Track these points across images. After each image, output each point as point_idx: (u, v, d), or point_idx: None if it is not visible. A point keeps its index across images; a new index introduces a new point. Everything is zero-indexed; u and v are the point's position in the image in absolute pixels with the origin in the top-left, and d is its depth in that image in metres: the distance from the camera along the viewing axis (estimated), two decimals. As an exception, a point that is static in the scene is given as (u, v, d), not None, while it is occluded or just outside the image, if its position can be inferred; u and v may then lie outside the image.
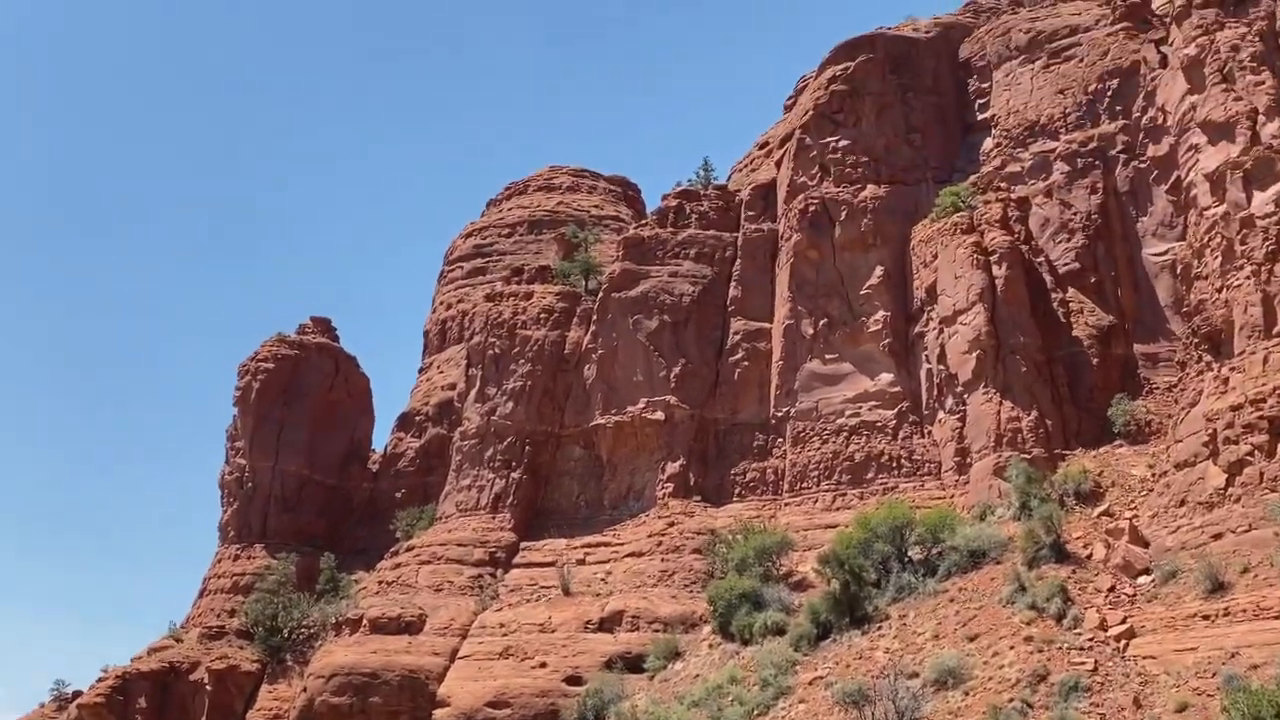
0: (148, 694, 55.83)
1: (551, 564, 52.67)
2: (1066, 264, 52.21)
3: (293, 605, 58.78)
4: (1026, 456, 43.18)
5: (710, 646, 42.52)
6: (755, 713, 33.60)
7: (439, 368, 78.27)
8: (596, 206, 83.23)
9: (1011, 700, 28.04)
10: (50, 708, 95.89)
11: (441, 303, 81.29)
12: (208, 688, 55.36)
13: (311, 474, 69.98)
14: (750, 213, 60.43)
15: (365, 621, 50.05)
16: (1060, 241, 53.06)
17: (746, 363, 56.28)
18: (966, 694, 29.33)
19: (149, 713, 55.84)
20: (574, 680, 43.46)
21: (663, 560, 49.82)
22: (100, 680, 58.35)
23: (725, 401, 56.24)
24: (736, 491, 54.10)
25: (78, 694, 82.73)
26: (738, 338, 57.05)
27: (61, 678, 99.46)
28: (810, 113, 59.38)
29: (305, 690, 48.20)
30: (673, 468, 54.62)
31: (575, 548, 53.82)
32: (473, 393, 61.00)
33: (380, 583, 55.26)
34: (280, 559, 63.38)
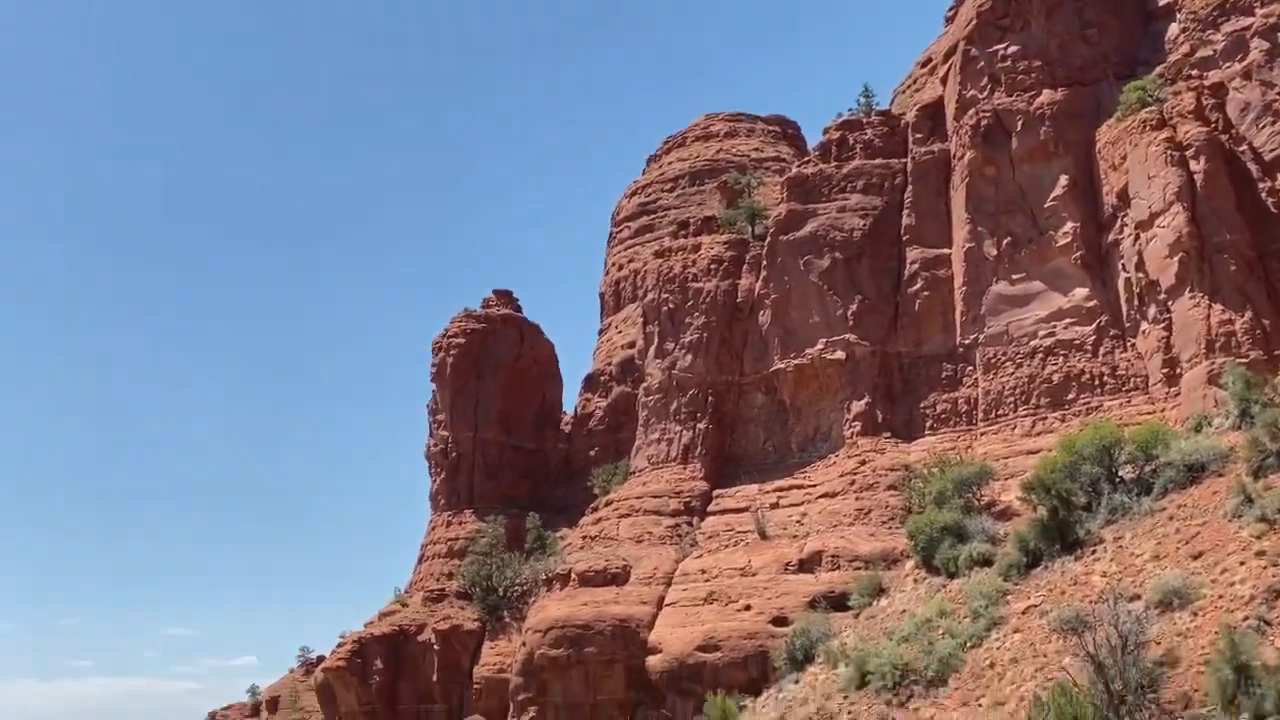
0: (382, 655, 59.95)
1: (745, 510, 53.15)
2: (1273, 150, 47.83)
3: (505, 565, 61.68)
4: (1243, 361, 40.17)
5: (915, 581, 41.93)
6: (968, 644, 32.97)
7: (617, 328, 79.75)
8: (756, 150, 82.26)
9: (1246, 619, 26.42)
10: (299, 672, 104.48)
11: (613, 264, 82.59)
12: (435, 647, 58.94)
13: (509, 440, 72.91)
14: (918, 135, 58.18)
15: (574, 576, 52.02)
16: (1264, 126, 48.49)
17: (927, 292, 54.60)
18: (1195, 614, 27.83)
19: (385, 672, 59.92)
20: (779, 621, 43.87)
21: (857, 499, 49.42)
22: (340, 645, 63.06)
23: (907, 334, 54.83)
24: (927, 425, 52.85)
25: (321, 659, 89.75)
26: (915, 267, 55.36)
27: (306, 645, 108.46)
28: (974, 21, 56.36)
29: (524, 644, 50.62)
30: (858, 406, 53.86)
31: (767, 492, 54.07)
32: (652, 349, 61.87)
33: (584, 538, 57.30)
34: (489, 522, 66.50)
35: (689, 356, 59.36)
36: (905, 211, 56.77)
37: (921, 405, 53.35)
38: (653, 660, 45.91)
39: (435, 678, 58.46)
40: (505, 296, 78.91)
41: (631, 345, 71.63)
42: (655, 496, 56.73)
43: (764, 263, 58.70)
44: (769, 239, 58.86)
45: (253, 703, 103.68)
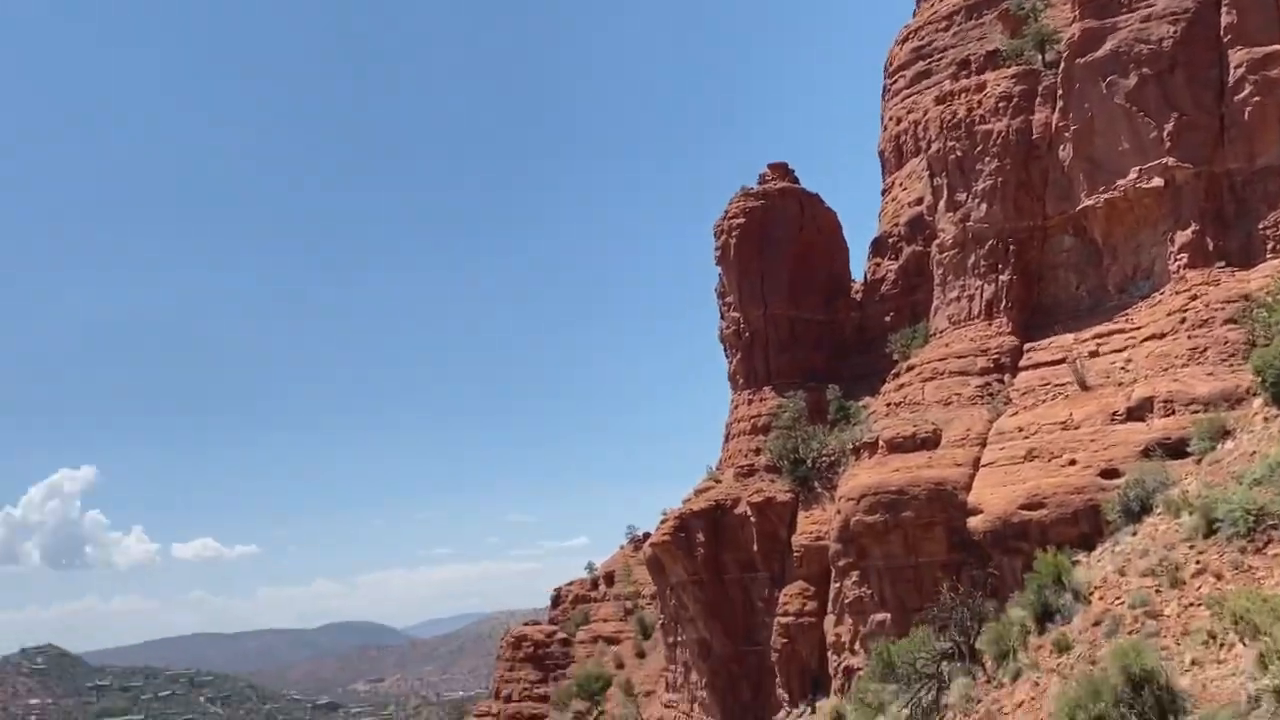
0: (703, 529, 62.83)
1: (1060, 361, 50.23)
2: None
3: (810, 438, 62.28)
4: None
5: (1265, 420, 38.10)
6: (1334, 483, 29.81)
7: (901, 185, 76.64)
8: (1038, -31, 74.68)
9: None
10: (628, 549, 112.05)
11: (890, 119, 78.86)
12: (751, 519, 61.00)
13: (799, 314, 72.67)
14: (1233, -82, 50.48)
15: (881, 443, 51.70)
16: None
17: (1258, 98, 47.88)
18: None
19: (707, 544, 62.86)
20: (1109, 474, 41.54)
21: (1189, 337, 45.23)
22: (663, 522, 66.73)
23: (1237, 148, 48.58)
24: (1269, 248, 47.09)
25: (647, 535, 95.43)
26: (1241, 71, 48.60)
27: (632, 524, 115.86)
28: None
29: (839, 512, 51.25)
30: (1184, 236, 48.82)
31: (1084, 340, 50.71)
32: (941, 203, 59.00)
33: (888, 405, 56.58)
34: (788, 397, 67.14)
35: (983, 205, 56.09)
36: (1224, 8, 49.73)
37: (1260, 226, 47.49)
38: (974, 521, 45.07)
39: (755, 547, 60.67)
40: (781, 170, 77.65)
41: (919, 202, 68.61)
42: (960, 357, 54.83)
43: (1059, 92, 53.80)
44: (1063, 65, 53.71)
45: (591, 578, 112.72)
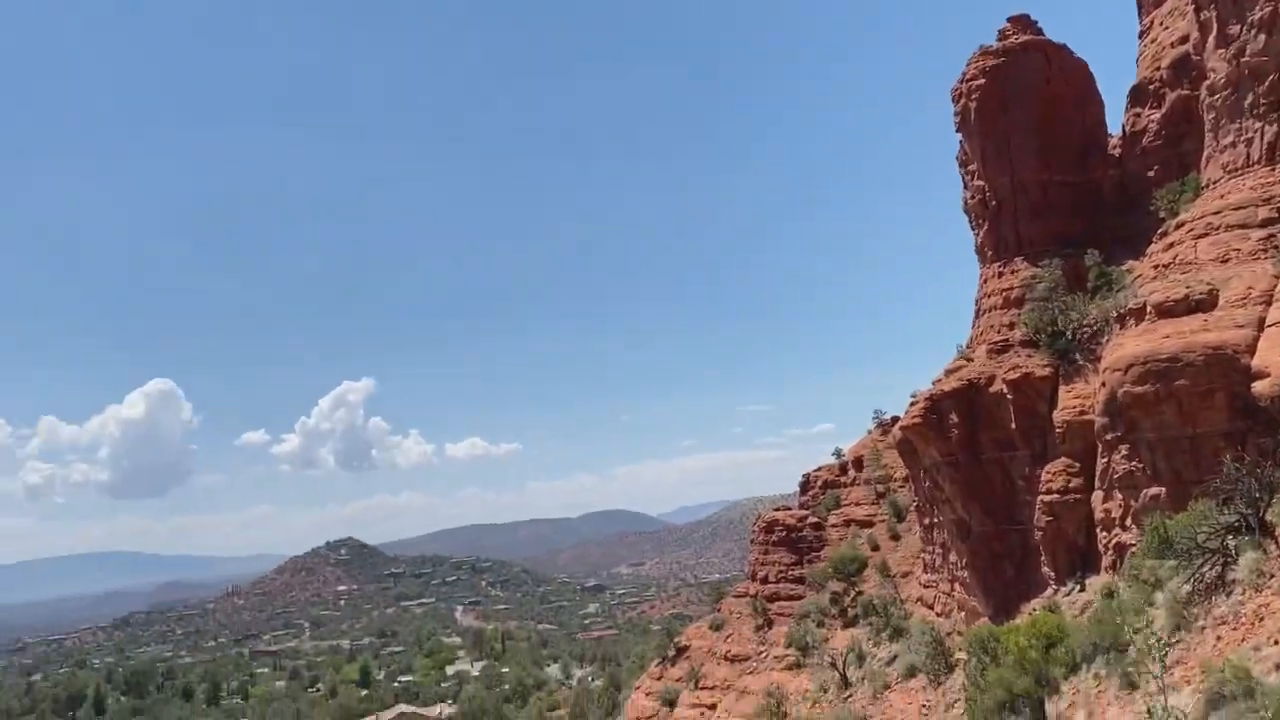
0: (956, 409, 61.28)
1: (1362, 204, 44.79)
2: None
3: (1069, 308, 58.96)
4: None
5: None
6: None
7: (1161, 24, 69.61)
8: None
9: None
10: (876, 433, 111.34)
11: (1146, -50, 71.23)
12: (1008, 396, 58.84)
13: (1051, 176, 68.18)
14: None
15: (1149, 309, 48.29)
16: None
17: None
18: None
19: (961, 424, 61.34)
20: None
21: None
22: (913, 404, 65.57)
23: None
24: None
25: (895, 419, 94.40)
26: None
27: (879, 408, 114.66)
28: None
29: (1104, 385, 48.58)
30: None
31: (1391, 178, 44.83)
32: (1210, 38, 53.14)
33: (1155, 267, 52.59)
34: (1043, 266, 63.63)
35: (1261, 37, 50.05)
36: None
37: None
38: (1259, 386, 41.50)
39: (1013, 425, 58.62)
40: (1022, 23, 72.13)
41: (1183, 40, 62.04)
42: (1237, 209, 49.90)
43: (1355, -107, 46.71)
44: None
45: (839, 463, 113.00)
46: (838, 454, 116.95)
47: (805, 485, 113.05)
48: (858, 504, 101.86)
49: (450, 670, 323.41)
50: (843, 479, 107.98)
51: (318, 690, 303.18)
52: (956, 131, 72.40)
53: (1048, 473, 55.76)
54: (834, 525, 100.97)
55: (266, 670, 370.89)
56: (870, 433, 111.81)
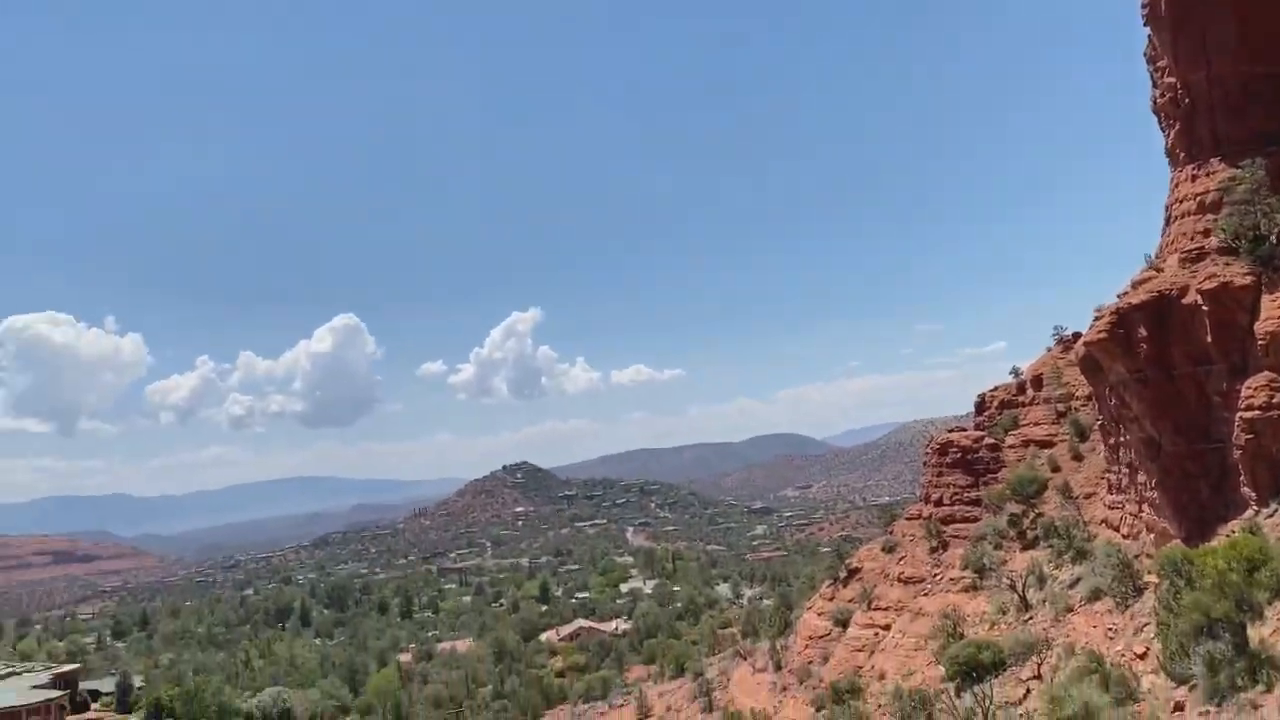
0: (1145, 323, 58.03)
1: None
2: None
3: (1272, 211, 54.51)
4: None
5: None
6: None
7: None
8: None
9: None
10: (1056, 351, 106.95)
11: None
12: (1203, 308, 55.29)
13: (1252, 68, 62.53)
14: None
15: (1370, 208, 44.23)
16: None
17: None
18: None
19: (1150, 339, 58.10)
20: None
21: None
22: (1098, 319, 62.45)
23: None
24: None
25: (1076, 335, 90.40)
26: None
27: (1058, 324, 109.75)
28: None
29: (1315, 292, 45.01)
30: None
31: None
32: None
33: (1377, 162, 47.91)
34: (1243, 167, 58.86)
35: None
36: None
37: None
38: None
39: (1209, 338, 55.09)
40: (1222, -101, 65.83)
41: None
42: None
43: None
44: None
45: (1016, 382, 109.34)
46: (1015, 373, 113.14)
47: (980, 405, 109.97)
48: (1037, 424, 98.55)
49: (624, 588, 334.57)
50: (1020, 398, 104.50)
51: (501, 605, 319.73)
52: (1145, 25, 67.28)
53: (1248, 388, 52.35)
54: (1011, 446, 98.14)
55: (453, 586, 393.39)
56: (1050, 350, 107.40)
